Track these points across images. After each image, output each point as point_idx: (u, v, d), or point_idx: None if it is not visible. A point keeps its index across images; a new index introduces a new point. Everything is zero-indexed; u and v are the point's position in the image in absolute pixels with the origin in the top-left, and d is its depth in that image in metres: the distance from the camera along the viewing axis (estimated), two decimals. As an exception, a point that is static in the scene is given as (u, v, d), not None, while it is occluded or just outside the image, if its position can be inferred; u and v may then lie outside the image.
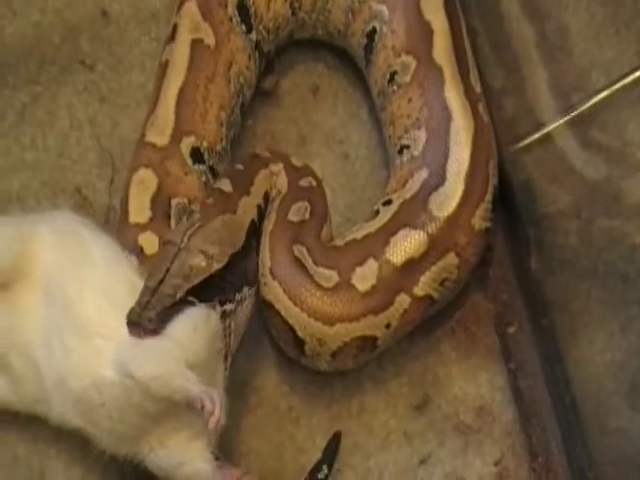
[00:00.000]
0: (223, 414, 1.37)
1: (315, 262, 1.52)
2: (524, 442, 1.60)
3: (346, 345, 1.51)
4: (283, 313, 1.51)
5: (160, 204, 1.57)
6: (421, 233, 1.52)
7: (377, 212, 1.60)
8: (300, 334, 1.51)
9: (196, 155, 1.62)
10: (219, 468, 1.43)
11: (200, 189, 1.61)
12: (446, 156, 1.57)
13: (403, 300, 1.52)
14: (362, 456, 1.59)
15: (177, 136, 1.61)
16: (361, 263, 1.52)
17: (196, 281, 1.39)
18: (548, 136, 1.60)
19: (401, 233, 1.53)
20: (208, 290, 1.40)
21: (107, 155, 1.75)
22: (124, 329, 1.37)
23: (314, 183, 1.61)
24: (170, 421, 1.41)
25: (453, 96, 1.60)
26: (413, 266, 1.52)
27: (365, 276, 1.51)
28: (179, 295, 1.37)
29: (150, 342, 1.37)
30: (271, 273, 1.52)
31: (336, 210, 1.70)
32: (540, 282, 1.63)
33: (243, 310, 1.47)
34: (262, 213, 1.55)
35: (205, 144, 1.63)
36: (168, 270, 1.39)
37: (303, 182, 1.60)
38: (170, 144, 1.60)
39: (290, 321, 1.51)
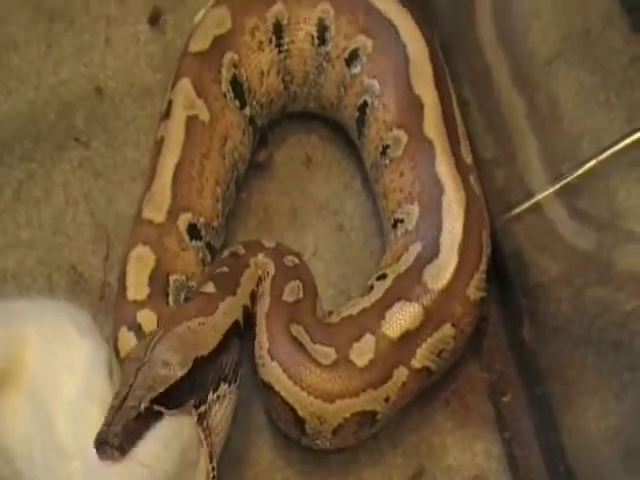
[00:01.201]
0: None
1: (313, 340, 1.52)
2: (521, 513, 1.60)
3: (346, 421, 1.51)
4: (283, 393, 1.50)
5: (158, 281, 1.57)
6: (416, 306, 1.53)
7: (371, 287, 1.60)
8: (301, 413, 1.50)
9: (193, 231, 1.63)
10: None
11: (197, 265, 1.62)
12: (439, 229, 1.58)
13: (401, 373, 1.52)
14: (359, 526, 1.59)
15: (174, 213, 1.62)
16: (358, 338, 1.52)
17: (160, 389, 1.38)
18: (538, 205, 1.61)
19: (396, 306, 1.53)
20: (175, 396, 1.39)
21: (102, 231, 1.76)
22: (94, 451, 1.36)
23: (297, 260, 1.62)
24: None
25: (444, 170, 1.61)
26: (410, 339, 1.52)
27: (363, 351, 1.51)
28: (143, 405, 1.36)
29: (118, 467, 1.36)
30: (269, 354, 1.51)
31: (329, 282, 1.72)
32: (533, 351, 1.63)
33: (224, 408, 1.47)
34: (249, 313, 1.54)
35: (202, 220, 1.64)
36: (132, 386, 1.38)
37: (287, 261, 1.60)
38: (167, 221, 1.61)
39: (290, 401, 1.50)
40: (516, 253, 1.66)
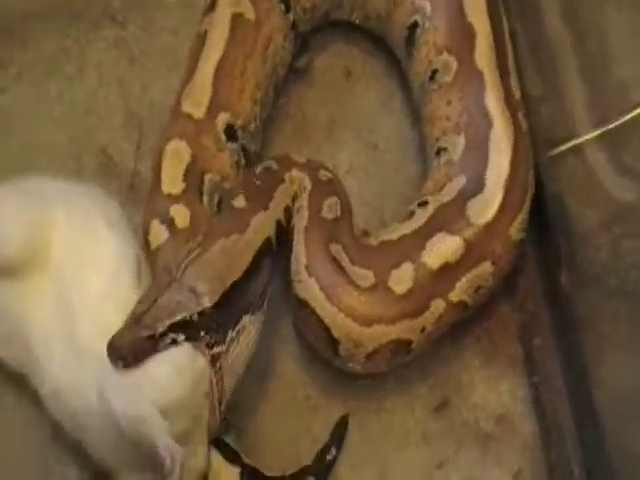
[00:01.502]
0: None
1: (351, 261, 1.51)
2: (544, 457, 1.60)
3: (381, 348, 1.50)
4: (319, 312, 1.49)
5: (193, 177, 1.56)
6: (458, 239, 1.52)
7: (412, 213, 1.59)
8: (336, 334, 1.49)
9: (230, 132, 1.60)
10: None
11: (232, 168, 1.60)
12: (485, 164, 1.56)
13: (439, 305, 1.51)
14: (378, 453, 1.59)
15: (213, 110, 1.59)
16: (397, 265, 1.51)
17: (179, 317, 1.36)
18: (580, 149, 1.59)
19: (438, 237, 1.52)
20: (194, 329, 1.37)
21: (135, 118, 1.74)
22: None
23: (331, 175, 1.59)
24: (143, 460, 1.40)
25: (493, 103, 1.59)
26: (449, 271, 1.51)
27: (402, 279, 1.50)
28: (160, 329, 1.35)
29: (129, 377, 1.36)
30: (307, 270, 1.50)
31: (363, 200, 1.71)
32: (568, 297, 1.62)
33: (243, 340, 1.44)
34: (282, 230, 1.52)
35: (240, 122, 1.62)
36: (155, 301, 1.37)
37: (322, 176, 1.58)
38: (206, 117, 1.59)
39: (326, 320, 1.49)
40: (556, 195, 1.64)
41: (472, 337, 1.66)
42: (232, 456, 1.48)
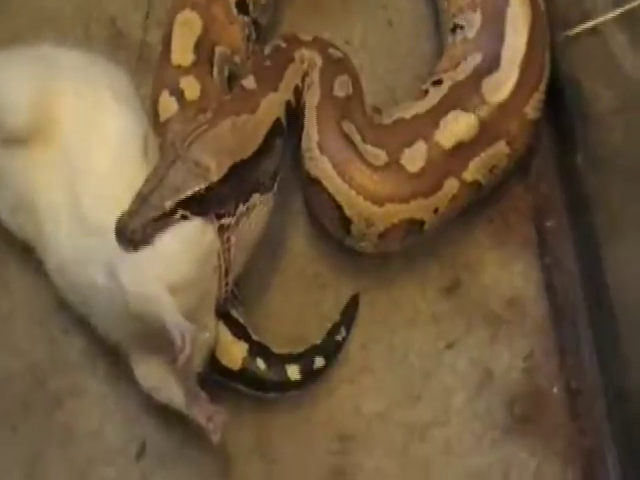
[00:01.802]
0: (201, 350, 1.39)
1: (363, 139, 1.49)
2: (555, 340, 1.58)
3: (394, 227, 1.48)
4: (331, 190, 1.47)
5: (204, 49, 1.53)
6: (472, 117, 1.49)
7: (426, 92, 1.56)
8: (348, 213, 1.47)
9: (242, 5, 1.57)
10: (194, 401, 1.41)
11: (243, 41, 1.58)
12: (501, 42, 1.53)
13: (452, 184, 1.49)
14: (388, 331, 1.58)
15: None
16: (410, 144, 1.49)
17: (188, 194, 1.34)
18: (599, 29, 1.56)
19: (452, 115, 1.49)
20: (202, 203, 1.35)
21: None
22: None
23: (340, 54, 1.56)
24: (152, 339, 1.38)
25: None
26: (463, 150, 1.48)
27: (414, 157, 1.48)
28: (168, 206, 1.33)
29: (136, 256, 1.34)
30: (319, 147, 1.47)
31: (375, 76, 1.68)
32: (583, 178, 1.59)
33: (253, 218, 1.42)
34: (292, 110, 1.49)
35: None
36: (162, 179, 1.34)
37: (332, 53, 1.55)
38: None
39: (338, 198, 1.47)
40: (572, 76, 1.61)
41: (485, 218, 1.64)
42: (240, 332, 1.47)
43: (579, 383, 1.55)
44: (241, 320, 1.49)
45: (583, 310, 1.57)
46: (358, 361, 1.56)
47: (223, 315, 1.46)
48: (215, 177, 1.35)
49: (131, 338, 1.43)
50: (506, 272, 1.62)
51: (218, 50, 1.54)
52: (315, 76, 1.52)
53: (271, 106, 1.44)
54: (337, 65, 1.54)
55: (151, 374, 1.43)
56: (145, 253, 1.34)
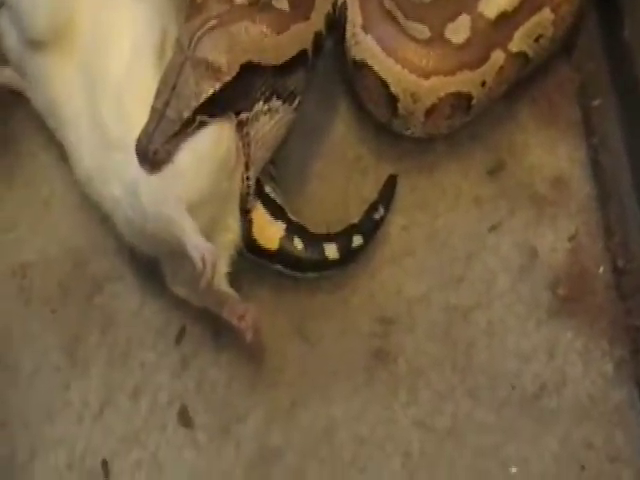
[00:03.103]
0: (223, 264, 1.39)
1: (406, 15, 1.45)
2: (601, 220, 1.55)
3: (441, 102, 1.45)
4: (376, 68, 1.44)
5: None
6: (515, -17, 1.45)
7: (466, -33, 1.52)
8: (394, 89, 1.44)
9: None
10: (225, 302, 1.41)
11: None
12: None
13: (498, 56, 1.45)
14: (430, 215, 1.56)
15: None
16: (453, 18, 1.45)
17: (203, 99, 1.31)
18: None
19: None
20: (218, 104, 1.32)
21: None
22: None
23: None
24: (175, 252, 1.36)
25: None
26: (507, 21, 1.45)
27: (458, 30, 1.44)
28: (185, 117, 1.30)
29: (156, 177, 1.32)
30: (363, 29, 1.44)
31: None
32: (630, 54, 1.54)
33: (273, 122, 1.39)
34: (321, 42, 1.44)
35: None
36: (174, 88, 1.31)
37: None
38: None
39: (383, 75, 1.44)
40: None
41: (528, 99, 1.60)
42: (278, 212, 1.46)
43: (626, 262, 1.51)
44: (278, 201, 1.47)
45: (630, 189, 1.53)
46: (400, 244, 1.54)
47: (261, 196, 1.44)
48: (227, 76, 1.32)
49: (155, 250, 1.43)
50: (551, 153, 1.58)
51: None
52: None
53: (299, 36, 1.40)
54: None
55: (181, 281, 1.43)
56: (163, 172, 1.32)
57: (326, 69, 1.52)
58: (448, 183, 1.57)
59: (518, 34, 1.46)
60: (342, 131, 1.58)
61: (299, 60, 1.40)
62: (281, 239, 1.44)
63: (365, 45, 1.45)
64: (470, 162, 1.58)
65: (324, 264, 1.47)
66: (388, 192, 1.54)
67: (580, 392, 1.47)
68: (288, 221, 1.46)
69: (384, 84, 1.45)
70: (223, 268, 1.42)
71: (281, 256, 1.45)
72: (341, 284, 1.52)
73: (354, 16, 1.46)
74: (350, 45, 1.47)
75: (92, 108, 1.41)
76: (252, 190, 1.41)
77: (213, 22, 1.34)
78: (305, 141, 1.54)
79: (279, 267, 1.47)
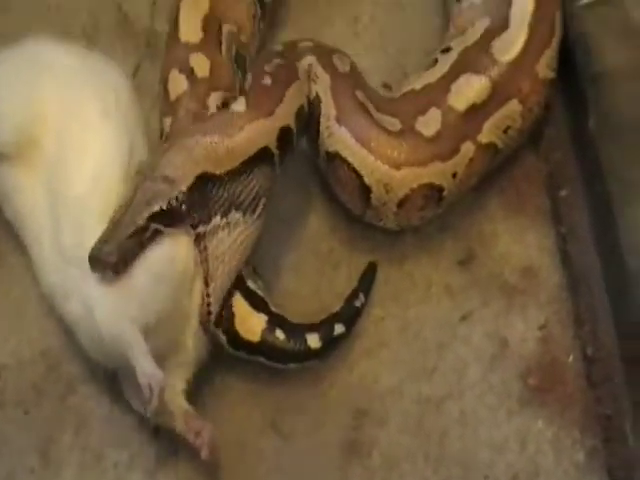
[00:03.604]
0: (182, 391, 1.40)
1: (377, 108, 1.48)
2: (571, 308, 1.56)
3: (413, 193, 1.46)
4: (350, 159, 1.46)
5: (211, 26, 1.52)
6: (483, 78, 1.48)
7: (435, 61, 1.56)
8: (367, 180, 1.46)
9: None
10: (181, 418, 1.40)
11: (249, 20, 1.57)
12: (509, 3, 1.52)
13: (468, 148, 1.48)
14: (402, 306, 1.56)
15: None
16: (423, 112, 1.48)
17: (156, 207, 1.31)
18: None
19: (463, 78, 1.49)
20: (174, 215, 1.33)
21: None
22: None
23: (347, 60, 1.52)
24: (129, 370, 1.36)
25: None
26: (476, 113, 1.48)
27: (429, 123, 1.47)
28: (139, 222, 1.30)
29: (110, 288, 1.32)
30: (337, 121, 1.46)
31: (388, 54, 1.67)
32: (596, 145, 1.56)
33: (233, 237, 1.39)
34: (290, 137, 1.43)
35: None
36: (132, 200, 1.32)
37: (337, 62, 1.51)
38: None
39: (356, 166, 1.46)
40: (583, 39, 1.57)
41: (496, 188, 1.62)
42: (259, 304, 1.46)
43: (595, 350, 1.52)
44: (260, 292, 1.47)
45: (598, 278, 1.53)
46: (375, 336, 1.54)
47: (242, 288, 1.45)
48: (182, 186, 1.33)
49: (112, 364, 1.42)
50: (520, 242, 1.60)
51: (225, 28, 1.54)
52: (319, 71, 1.49)
53: (258, 134, 1.39)
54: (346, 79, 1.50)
55: (137, 395, 1.40)
56: (118, 291, 1.32)
57: (298, 160, 1.53)
58: (419, 274, 1.58)
59: (487, 125, 1.48)
60: (315, 223, 1.60)
61: (260, 158, 1.39)
62: (263, 330, 1.45)
63: (339, 136, 1.46)
64: (440, 252, 1.59)
65: (306, 354, 1.47)
66: (368, 280, 1.54)
67: (552, 482, 1.48)
68: (269, 313, 1.46)
69: (357, 175, 1.46)
70: (179, 385, 1.41)
71: (263, 348, 1.45)
72: (315, 377, 1.51)
73: (328, 108, 1.47)
74: (324, 137, 1.48)
75: (53, 223, 1.40)
76: (214, 308, 1.41)
77: (166, 145, 1.37)
78: (278, 232, 1.55)
79: (261, 359, 1.47)
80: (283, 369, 1.48)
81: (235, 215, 1.38)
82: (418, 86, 1.52)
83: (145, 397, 1.31)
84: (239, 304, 1.44)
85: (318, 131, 1.49)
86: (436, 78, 1.51)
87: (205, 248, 1.37)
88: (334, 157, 1.47)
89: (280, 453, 1.48)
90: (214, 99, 1.49)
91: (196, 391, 1.45)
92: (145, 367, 1.31)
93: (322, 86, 1.48)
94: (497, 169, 1.58)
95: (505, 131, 1.50)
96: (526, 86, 1.49)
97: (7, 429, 1.49)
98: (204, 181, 1.34)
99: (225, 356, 1.47)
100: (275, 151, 1.41)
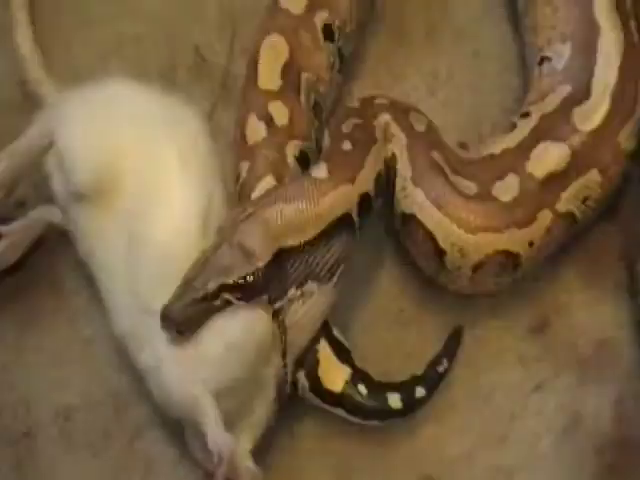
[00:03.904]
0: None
1: (454, 171, 1.47)
2: (646, 385, 1.53)
3: (488, 259, 1.45)
4: (424, 221, 1.45)
5: (291, 74, 1.53)
6: (563, 146, 1.47)
7: (514, 125, 1.55)
8: (442, 243, 1.45)
9: (328, 32, 1.57)
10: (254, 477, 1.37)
11: (327, 70, 1.58)
12: (591, 72, 1.51)
13: (546, 216, 1.46)
14: (473, 371, 1.54)
15: (312, 7, 1.56)
16: (501, 177, 1.47)
17: (229, 280, 1.31)
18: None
19: (542, 146, 1.48)
20: (247, 290, 1.32)
21: (228, 16, 1.70)
22: None
23: (423, 119, 1.52)
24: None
25: (603, 10, 1.53)
26: (555, 181, 1.46)
27: (506, 189, 1.46)
28: (210, 288, 1.30)
29: (183, 351, 1.32)
30: (413, 181, 1.46)
31: (461, 110, 1.66)
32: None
33: (308, 306, 1.39)
34: (369, 203, 1.43)
35: (337, 22, 1.58)
36: (207, 261, 1.33)
37: (413, 121, 1.51)
38: (305, 14, 1.56)
39: (431, 229, 1.45)
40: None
41: (573, 258, 1.60)
42: (344, 355, 1.46)
43: (672, 431, 1.49)
44: (346, 345, 1.47)
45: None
46: (442, 400, 1.52)
47: (328, 335, 1.45)
48: (260, 263, 1.33)
49: (179, 417, 1.41)
50: (596, 314, 1.58)
51: (304, 76, 1.54)
52: (395, 129, 1.49)
53: (340, 200, 1.39)
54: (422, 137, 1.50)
55: (200, 449, 1.39)
56: (186, 353, 1.33)
57: (372, 219, 1.51)
58: (491, 339, 1.56)
59: (565, 195, 1.47)
60: (386, 284, 1.59)
61: (341, 226, 1.39)
62: (346, 383, 1.44)
63: (414, 198, 1.46)
64: (513, 318, 1.57)
65: (387, 413, 1.46)
66: (452, 345, 1.53)
67: None
68: (353, 366, 1.46)
69: (432, 237, 1.46)
70: (246, 445, 1.39)
71: (344, 400, 1.45)
72: (383, 440, 1.50)
73: (404, 169, 1.47)
74: (399, 198, 1.48)
75: (130, 269, 1.40)
76: (289, 377, 1.41)
77: (251, 209, 1.37)
78: (348, 290, 1.52)
79: (340, 412, 1.46)
80: (364, 424, 1.47)
81: (311, 285, 1.38)
82: (497, 150, 1.51)
83: (215, 463, 1.31)
84: (325, 352, 1.44)
85: (394, 192, 1.48)
86: (515, 143, 1.51)
87: (282, 321, 1.37)
88: (410, 219, 1.47)
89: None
90: (292, 147, 1.50)
91: (259, 451, 1.44)
92: (216, 434, 1.31)
93: (398, 145, 1.48)
94: (574, 240, 1.57)
95: (584, 201, 1.49)
96: (607, 157, 1.48)
97: (76, 472, 1.50)
98: (283, 256, 1.34)
99: (290, 417, 1.48)
100: (355, 218, 1.41)
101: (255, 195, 1.46)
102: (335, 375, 1.44)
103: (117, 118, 1.46)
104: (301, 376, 1.44)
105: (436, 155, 1.47)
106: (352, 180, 1.40)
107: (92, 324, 1.55)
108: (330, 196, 1.38)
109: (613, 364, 1.55)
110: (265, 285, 1.33)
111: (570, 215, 1.48)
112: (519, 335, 1.56)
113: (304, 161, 1.52)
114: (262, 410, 1.40)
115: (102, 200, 1.43)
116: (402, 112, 1.51)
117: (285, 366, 1.39)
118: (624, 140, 1.49)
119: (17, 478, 1.49)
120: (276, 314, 1.36)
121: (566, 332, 1.57)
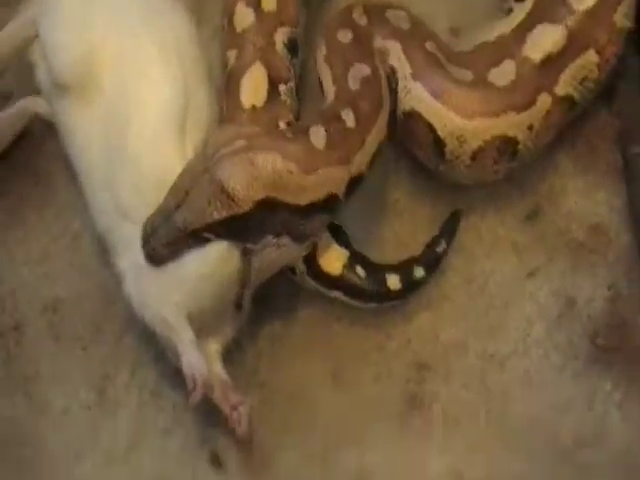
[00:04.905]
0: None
1: (448, 59, 1.46)
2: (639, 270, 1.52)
3: (486, 145, 1.43)
4: (424, 113, 1.43)
5: None
6: (559, 27, 1.44)
7: (510, 10, 1.53)
8: (440, 133, 1.43)
9: None
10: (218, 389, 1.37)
11: None
12: None
13: (545, 100, 1.44)
14: (467, 260, 1.53)
15: None
16: (497, 64, 1.45)
17: (210, 220, 1.29)
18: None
19: (538, 28, 1.45)
20: (226, 230, 1.30)
21: None
22: None
23: (403, 15, 1.48)
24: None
25: None
26: (552, 63, 1.44)
27: (503, 74, 1.44)
28: (190, 229, 1.29)
29: (160, 273, 1.32)
30: (412, 77, 1.44)
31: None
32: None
33: (281, 253, 1.36)
34: (360, 183, 1.38)
35: None
36: (187, 193, 1.30)
37: (395, 21, 1.47)
38: None
39: (431, 120, 1.43)
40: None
41: (567, 143, 1.58)
42: (342, 239, 1.46)
43: (666, 311, 1.49)
44: (344, 229, 1.47)
45: (669, 238, 1.51)
46: (436, 289, 1.52)
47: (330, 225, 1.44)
48: (239, 209, 1.29)
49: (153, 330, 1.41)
50: (590, 199, 1.56)
51: None
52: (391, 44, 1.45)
53: (329, 181, 1.35)
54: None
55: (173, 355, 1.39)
56: (169, 274, 1.32)
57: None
58: (485, 228, 1.55)
59: (564, 77, 1.45)
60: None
61: (324, 204, 1.35)
62: (344, 265, 1.44)
63: (414, 93, 1.44)
64: (507, 206, 1.56)
65: (386, 295, 1.46)
66: (450, 226, 1.52)
67: (619, 444, 1.45)
68: (352, 249, 1.45)
69: (431, 129, 1.44)
70: (215, 346, 1.40)
71: (343, 283, 1.44)
72: (376, 330, 1.50)
73: (403, 69, 1.45)
74: (401, 98, 1.45)
75: (107, 170, 1.39)
76: (246, 307, 1.40)
77: (241, 143, 1.32)
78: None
79: (339, 294, 1.46)
80: (362, 307, 1.47)
81: (285, 239, 1.35)
82: (491, 37, 1.49)
83: (188, 388, 1.32)
84: (324, 237, 1.43)
85: (396, 100, 1.46)
86: (510, 28, 1.48)
87: (249, 262, 1.35)
88: (409, 115, 1.45)
89: (339, 403, 1.47)
90: (280, 34, 1.48)
91: (252, 337, 1.45)
92: (191, 356, 1.32)
93: (395, 57, 1.45)
94: (569, 125, 1.54)
95: (582, 82, 1.46)
96: (603, 36, 1.45)
97: (65, 364, 1.49)
98: (264, 207, 1.31)
99: (284, 305, 1.48)
100: (342, 198, 1.37)
101: (244, 88, 1.45)
102: (333, 258, 1.44)
103: (99, 9, 1.44)
104: (299, 262, 1.43)
105: (429, 45, 1.45)
106: (347, 161, 1.36)
107: (80, 218, 1.53)
108: (319, 174, 1.33)
109: (607, 249, 1.54)
110: (243, 231, 1.31)
111: (569, 98, 1.46)
112: (513, 223, 1.55)
113: (293, 48, 1.50)
114: (230, 327, 1.41)
115: (83, 95, 1.41)
116: (379, 17, 1.47)
117: (242, 296, 1.37)
118: (620, 18, 1.46)
119: (6, 371, 1.49)
120: (244, 252, 1.34)
121: (560, 219, 1.55)
